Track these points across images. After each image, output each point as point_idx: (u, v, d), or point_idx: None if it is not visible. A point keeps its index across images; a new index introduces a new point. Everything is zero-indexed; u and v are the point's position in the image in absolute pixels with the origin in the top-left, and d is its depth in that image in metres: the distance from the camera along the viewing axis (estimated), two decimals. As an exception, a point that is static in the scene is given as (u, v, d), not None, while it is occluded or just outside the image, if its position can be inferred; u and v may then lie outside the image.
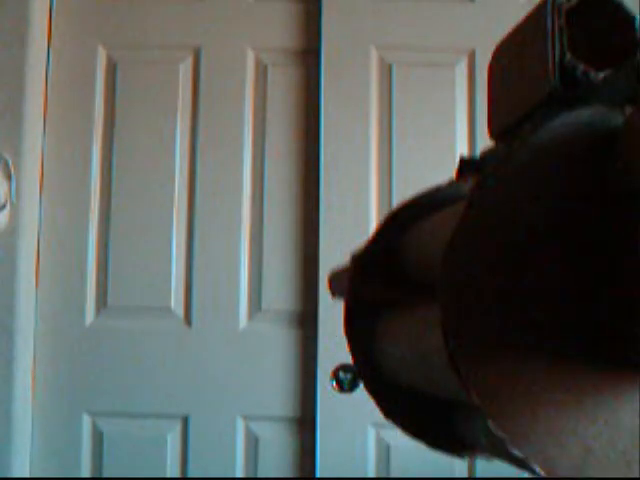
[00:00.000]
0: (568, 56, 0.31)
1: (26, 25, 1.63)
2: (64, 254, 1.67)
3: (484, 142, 1.56)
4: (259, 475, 1.63)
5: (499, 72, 0.37)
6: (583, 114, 0.29)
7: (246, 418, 1.63)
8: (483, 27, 1.66)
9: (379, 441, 1.59)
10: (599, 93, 0.31)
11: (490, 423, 0.27)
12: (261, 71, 1.71)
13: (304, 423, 1.63)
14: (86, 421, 1.64)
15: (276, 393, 1.63)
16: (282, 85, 1.70)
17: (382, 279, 0.39)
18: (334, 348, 1.51)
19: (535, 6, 0.33)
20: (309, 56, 1.70)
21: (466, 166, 0.40)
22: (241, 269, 1.65)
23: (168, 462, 1.63)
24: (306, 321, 1.63)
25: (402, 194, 1.58)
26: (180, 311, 1.65)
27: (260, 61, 1.71)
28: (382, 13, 1.68)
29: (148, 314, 1.65)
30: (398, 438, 1.58)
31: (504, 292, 0.28)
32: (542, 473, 0.28)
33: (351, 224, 1.61)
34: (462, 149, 1.65)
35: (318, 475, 1.59)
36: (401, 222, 0.39)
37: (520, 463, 0.29)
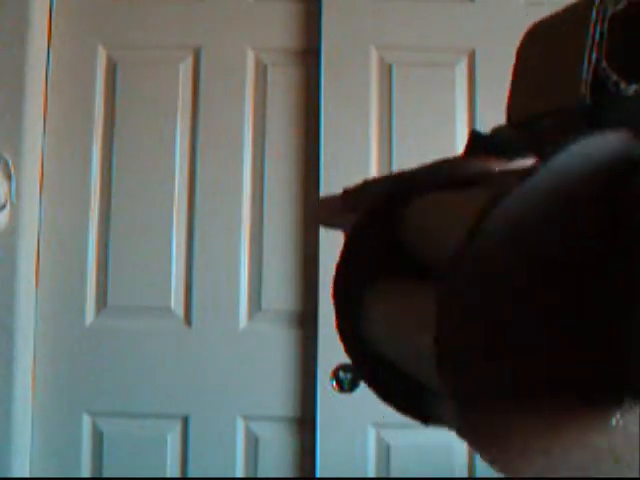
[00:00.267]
0: (603, 64, 0.30)
1: (26, 25, 1.63)
2: (64, 254, 1.67)
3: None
4: (259, 475, 1.63)
5: (528, 58, 0.36)
6: (608, 140, 0.28)
7: (246, 418, 1.63)
8: (483, 27, 1.66)
9: (379, 441, 1.59)
10: (626, 106, 0.31)
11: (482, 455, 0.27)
12: (261, 71, 1.70)
13: (304, 423, 1.63)
14: (86, 421, 1.64)
15: (276, 393, 1.63)
16: (282, 85, 1.70)
17: (380, 245, 0.38)
18: (334, 348, 1.51)
19: (579, 1, 0.32)
20: (309, 56, 1.70)
21: (477, 142, 0.39)
22: (241, 269, 1.65)
23: (168, 462, 1.63)
24: (306, 321, 1.63)
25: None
26: (180, 311, 1.65)
27: (260, 61, 1.71)
28: (382, 13, 1.68)
29: (148, 314, 1.65)
30: (398, 438, 1.58)
31: (501, 324, 0.27)
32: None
33: (351, 224, 1.61)
34: (462, 149, 1.65)
35: (318, 475, 1.58)
36: (406, 191, 0.38)
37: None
